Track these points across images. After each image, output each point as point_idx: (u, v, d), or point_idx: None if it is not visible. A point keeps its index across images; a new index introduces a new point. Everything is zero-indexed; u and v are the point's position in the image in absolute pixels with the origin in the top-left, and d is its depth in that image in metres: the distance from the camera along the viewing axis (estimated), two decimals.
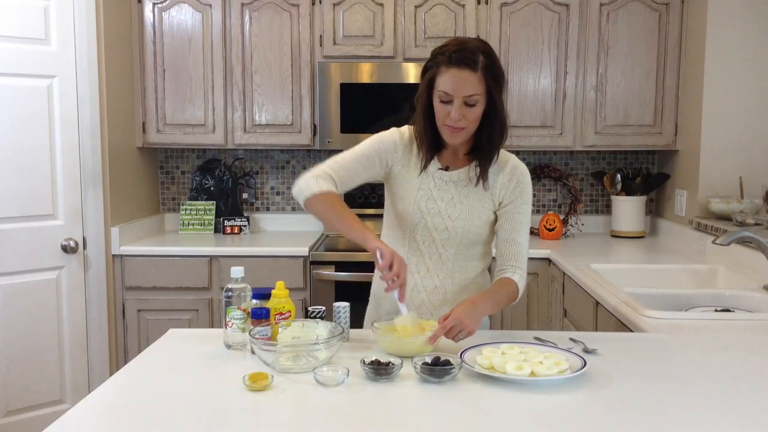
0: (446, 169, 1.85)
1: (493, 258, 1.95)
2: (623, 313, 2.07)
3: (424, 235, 1.85)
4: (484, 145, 1.79)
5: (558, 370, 1.43)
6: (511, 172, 1.85)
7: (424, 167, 1.84)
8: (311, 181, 1.77)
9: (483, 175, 1.81)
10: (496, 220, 1.87)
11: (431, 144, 1.82)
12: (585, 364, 1.47)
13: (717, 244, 2.33)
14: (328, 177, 1.79)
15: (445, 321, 1.58)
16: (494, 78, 1.71)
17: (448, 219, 1.83)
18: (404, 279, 1.63)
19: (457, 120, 1.71)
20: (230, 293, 1.68)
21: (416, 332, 1.62)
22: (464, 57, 1.68)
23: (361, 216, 3.68)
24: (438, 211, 1.83)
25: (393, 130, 1.89)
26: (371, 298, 2.02)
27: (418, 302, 1.88)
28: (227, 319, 1.67)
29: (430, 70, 1.74)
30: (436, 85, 1.72)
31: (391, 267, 1.61)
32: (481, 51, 1.70)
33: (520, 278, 1.82)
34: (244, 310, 1.67)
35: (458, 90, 1.69)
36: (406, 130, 1.89)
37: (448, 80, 1.69)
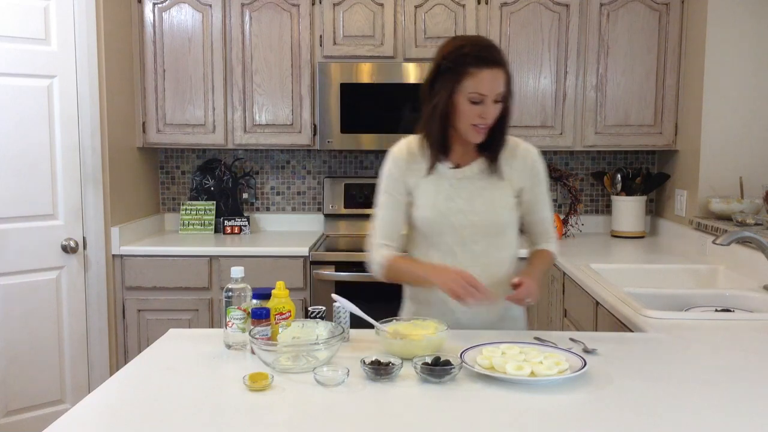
0: (457, 167, 1.86)
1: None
2: (623, 313, 2.08)
3: (453, 236, 1.86)
4: (498, 134, 1.82)
5: (558, 370, 1.43)
6: (524, 156, 1.90)
7: (431, 168, 1.85)
8: (374, 257, 1.90)
9: (495, 162, 1.85)
10: (517, 204, 1.90)
11: (441, 146, 1.83)
12: (585, 364, 1.47)
13: (717, 244, 2.33)
14: (382, 246, 1.89)
15: (520, 290, 1.74)
16: (509, 70, 1.76)
17: (470, 214, 1.85)
18: (482, 288, 1.69)
19: (492, 119, 1.75)
20: (230, 293, 1.68)
21: (420, 333, 1.62)
22: (492, 56, 1.72)
23: (362, 216, 3.70)
24: (459, 209, 1.85)
25: (389, 155, 1.92)
26: (408, 302, 2.01)
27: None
28: (227, 319, 1.67)
29: (451, 72, 1.73)
30: (463, 88, 1.72)
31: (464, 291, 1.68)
32: (496, 47, 1.75)
33: (554, 246, 1.98)
34: (244, 310, 1.67)
35: (493, 89, 1.72)
36: (402, 144, 1.91)
37: (482, 81, 1.71)
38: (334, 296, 1.73)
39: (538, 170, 1.91)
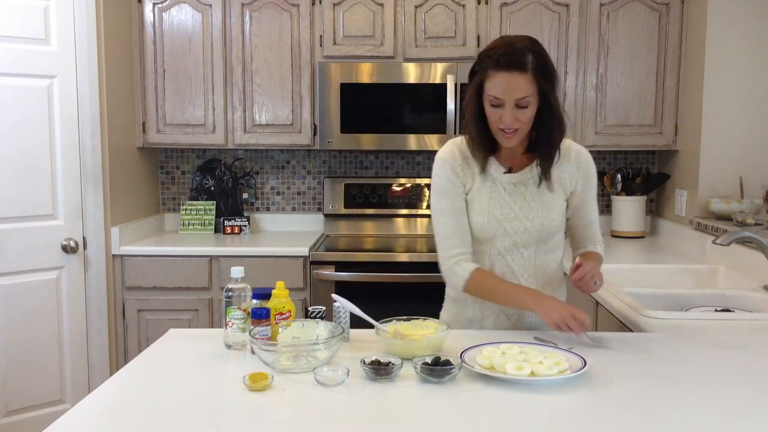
0: (510, 170, 1.84)
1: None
2: (624, 313, 2.08)
3: (505, 241, 1.85)
4: (543, 144, 1.79)
5: (558, 370, 1.43)
6: (576, 159, 1.87)
7: (483, 170, 1.83)
8: (456, 270, 1.82)
9: (545, 175, 1.82)
10: (566, 206, 1.89)
11: (486, 148, 1.80)
12: (585, 364, 1.47)
13: (717, 244, 2.34)
14: (460, 257, 1.82)
15: (582, 269, 1.73)
16: (546, 77, 1.69)
17: (525, 220, 1.83)
18: (585, 320, 1.67)
19: (510, 124, 1.70)
20: (230, 293, 1.68)
21: (420, 333, 1.62)
22: (513, 59, 1.66)
23: (362, 216, 3.70)
24: (515, 215, 1.83)
25: (439, 159, 1.87)
26: (449, 304, 1.99)
27: None
28: (227, 319, 1.68)
29: (477, 74, 1.73)
30: (485, 90, 1.70)
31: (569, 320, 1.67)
32: (530, 50, 1.68)
33: (601, 248, 1.96)
34: (244, 310, 1.67)
35: (509, 93, 1.67)
36: (451, 146, 1.87)
37: (497, 84, 1.67)
38: (334, 296, 1.73)
39: (590, 174, 1.90)
